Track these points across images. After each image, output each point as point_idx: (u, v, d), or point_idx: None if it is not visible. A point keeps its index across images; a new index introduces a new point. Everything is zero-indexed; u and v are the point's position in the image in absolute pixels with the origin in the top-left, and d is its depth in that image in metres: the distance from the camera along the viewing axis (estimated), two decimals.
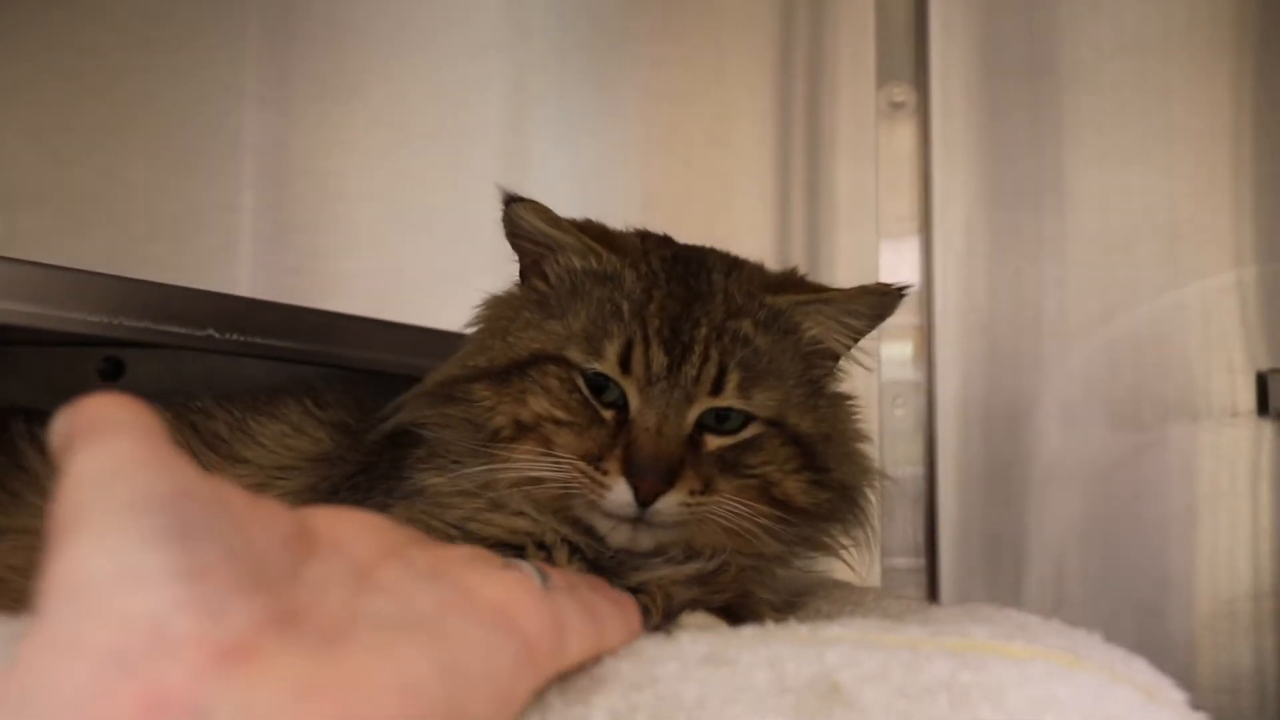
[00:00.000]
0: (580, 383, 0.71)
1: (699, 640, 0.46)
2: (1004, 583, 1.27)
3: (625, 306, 0.72)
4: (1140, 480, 1.25)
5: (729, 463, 0.72)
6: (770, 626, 0.49)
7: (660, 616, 0.71)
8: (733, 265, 0.80)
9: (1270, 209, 1.29)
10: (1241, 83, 1.32)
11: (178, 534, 0.33)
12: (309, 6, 1.37)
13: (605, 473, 0.68)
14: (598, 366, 0.71)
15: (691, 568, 0.72)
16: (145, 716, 0.29)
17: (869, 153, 1.40)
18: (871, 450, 0.80)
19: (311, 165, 1.36)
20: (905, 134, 1.40)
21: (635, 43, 1.44)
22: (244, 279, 1.32)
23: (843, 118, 1.42)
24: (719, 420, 0.72)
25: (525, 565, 0.47)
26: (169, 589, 0.32)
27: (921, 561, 1.31)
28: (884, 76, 1.41)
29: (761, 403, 0.73)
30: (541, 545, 0.71)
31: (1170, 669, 1.16)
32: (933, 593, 1.30)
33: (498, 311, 0.79)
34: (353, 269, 1.35)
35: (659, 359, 0.70)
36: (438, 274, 1.35)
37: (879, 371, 1.31)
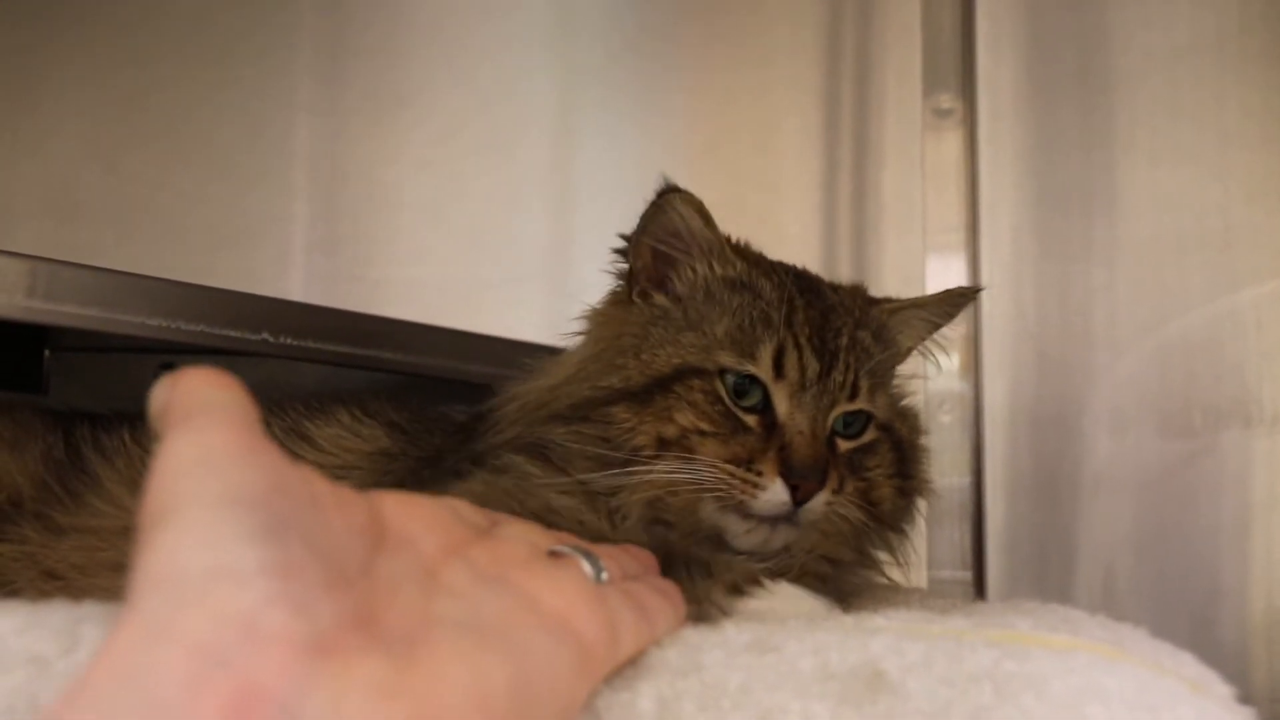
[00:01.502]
0: (723, 392, 0.73)
1: (744, 629, 0.46)
2: (1051, 593, 1.25)
3: (772, 314, 0.75)
4: (1191, 488, 1.23)
5: (853, 465, 0.76)
6: (815, 617, 0.50)
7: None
8: (832, 282, 0.85)
9: None
10: None
11: (269, 529, 0.34)
12: (359, 16, 1.40)
13: (760, 474, 0.70)
14: (752, 369, 0.73)
15: (760, 566, 0.73)
16: (237, 710, 0.30)
17: (915, 161, 1.40)
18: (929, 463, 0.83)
19: (361, 174, 1.38)
20: (952, 142, 1.40)
21: (682, 48, 1.45)
22: (296, 287, 1.35)
23: (889, 126, 1.42)
24: (844, 424, 0.76)
25: (573, 552, 0.48)
26: (261, 585, 0.33)
27: (968, 574, 1.30)
28: (930, 85, 1.41)
29: (881, 407, 0.77)
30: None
31: (1223, 678, 1.14)
32: (979, 588, 1.29)
33: (617, 329, 0.79)
34: (402, 276, 1.37)
35: (812, 364, 0.74)
36: (484, 281, 1.37)
37: (925, 380, 1.31)
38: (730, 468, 0.71)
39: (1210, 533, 1.21)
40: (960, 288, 0.84)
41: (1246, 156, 1.30)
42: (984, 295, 1.33)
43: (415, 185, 1.39)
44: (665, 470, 0.71)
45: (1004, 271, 1.35)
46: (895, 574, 0.82)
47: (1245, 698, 1.10)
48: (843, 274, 1.38)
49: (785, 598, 0.60)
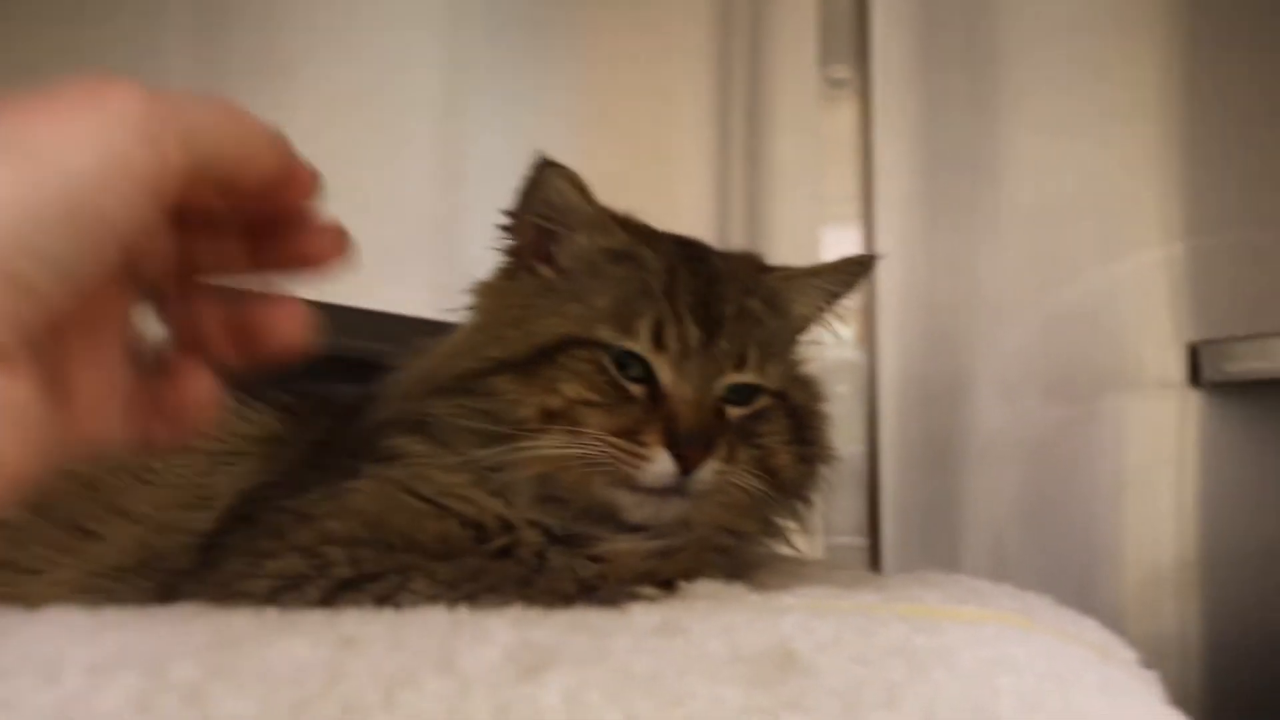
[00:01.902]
0: (607, 362, 0.71)
1: (651, 611, 0.45)
2: (944, 558, 1.28)
3: (653, 284, 0.73)
4: (1075, 453, 1.26)
5: (744, 432, 0.74)
6: (723, 596, 0.48)
7: (613, 586, 0.72)
8: (722, 250, 0.83)
9: (1196, 183, 1.31)
10: (1170, 61, 1.34)
11: None
12: None
13: (645, 445, 0.68)
14: (628, 344, 0.71)
15: (657, 544, 0.72)
16: None
17: (810, 131, 1.40)
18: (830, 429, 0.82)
19: None
20: (846, 112, 1.40)
21: (573, 14, 1.42)
22: None
23: (784, 95, 1.41)
24: (733, 393, 0.74)
25: None
26: None
27: (864, 540, 1.31)
28: (825, 54, 1.41)
29: (771, 376, 0.76)
30: (507, 526, 0.71)
31: None
32: (875, 562, 1.30)
33: (503, 300, 0.77)
34: None
35: (694, 333, 0.72)
36: (371, 254, 1.32)
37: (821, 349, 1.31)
38: (616, 440, 0.69)
39: (1090, 495, 1.25)
40: (856, 255, 0.83)
41: (1128, 128, 1.34)
42: (879, 265, 1.33)
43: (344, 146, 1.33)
44: (552, 444, 0.70)
45: (898, 241, 1.36)
46: (801, 542, 0.81)
47: None
48: (737, 244, 1.38)
49: None
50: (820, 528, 1.27)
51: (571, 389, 0.71)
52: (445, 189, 1.39)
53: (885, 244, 1.35)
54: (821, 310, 0.83)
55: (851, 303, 0.84)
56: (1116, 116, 1.34)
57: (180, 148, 0.39)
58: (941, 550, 1.28)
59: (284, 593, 0.65)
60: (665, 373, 0.72)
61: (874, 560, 1.30)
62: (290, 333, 0.47)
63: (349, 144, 1.34)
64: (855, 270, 0.83)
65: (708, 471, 0.70)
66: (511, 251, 0.79)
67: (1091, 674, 0.43)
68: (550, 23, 1.42)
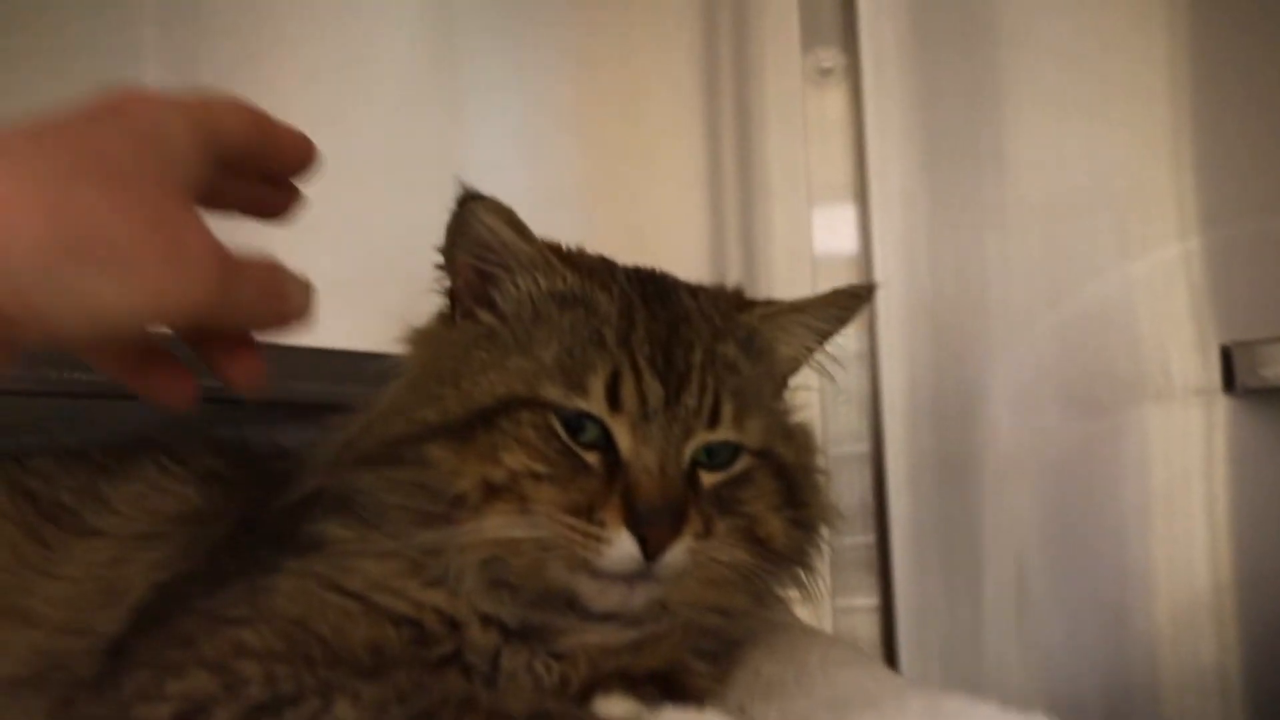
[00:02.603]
0: (557, 426, 0.62)
1: None
2: (962, 584, 1.18)
3: (606, 333, 0.64)
4: (1099, 468, 1.16)
5: (723, 501, 0.65)
6: None
7: (579, 686, 0.63)
8: (694, 285, 0.73)
9: (1211, 168, 1.21)
10: (1176, 36, 1.24)
11: None
12: None
13: (602, 525, 0.59)
14: (581, 405, 0.62)
15: (630, 634, 0.64)
16: None
17: (797, 121, 1.30)
18: (829, 485, 0.73)
19: None
20: (835, 100, 1.29)
21: (558, 8, 1.32)
22: None
23: (769, 85, 1.31)
24: (708, 455, 0.65)
25: None
26: None
27: (873, 556, 1.22)
28: (809, 40, 1.30)
29: (753, 432, 0.66)
30: (452, 624, 0.62)
31: (1135, 669, 1.08)
32: (886, 594, 1.21)
33: (436, 350, 0.68)
34: None
35: (654, 390, 0.63)
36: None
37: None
38: (569, 519, 0.60)
39: (1119, 513, 1.15)
40: (850, 286, 0.73)
41: (1137, 107, 1.23)
42: (880, 265, 1.24)
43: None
44: (496, 525, 0.60)
45: (896, 239, 1.25)
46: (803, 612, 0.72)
47: (1155, 686, 1.03)
48: (728, 246, 1.28)
49: None
50: (826, 597, 1.18)
51: (515, 459, 0.61)
52: (439, 192, 1.28)
53: (883, 241, 1.25)
54: (811, 350, 0.73)
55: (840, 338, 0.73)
56: (1125, 94, 1.24)
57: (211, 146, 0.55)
58: (958, 575, 1.19)
59: (190, 718, 0.56)
60: (624, 437, 0.62)
61: (885, 585, 1.21)
62: (245, 377, 0.60)
63: (336, 149, 1.24)
64: (849, 304, 0.72)
65: (678, 553, 0.60)
66: (448, 293, 0.70)
67: None
68: (536, 19, 1.31)
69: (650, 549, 0.59)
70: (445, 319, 0.70)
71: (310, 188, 1.21)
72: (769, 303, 0.73)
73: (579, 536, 0.59)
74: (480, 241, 0.66)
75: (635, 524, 0.59)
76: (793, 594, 0.71)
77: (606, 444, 0.62)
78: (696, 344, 0.66)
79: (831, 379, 0.74)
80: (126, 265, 0.47)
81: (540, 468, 0.61)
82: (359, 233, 1.22)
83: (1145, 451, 1.16)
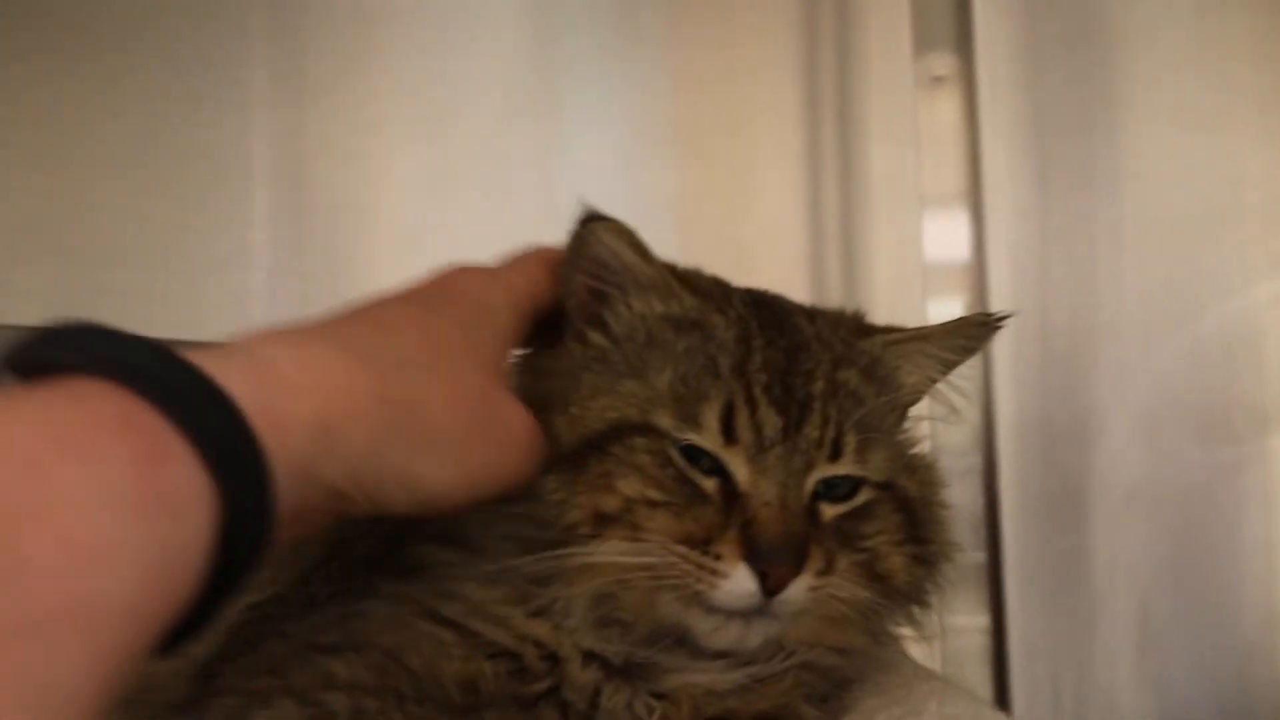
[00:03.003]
0: (674, 453, 0.59)
1: None
2: (1080, 623, 1.11)
3: (721, 360, 0.61)
4: (1224, 499, 1.09)
5: (845, 534, 0.61)
6: None
7: None
8: (811, 309, 0.70)
9: None
10: None
11: None
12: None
13: (719, 558, 0.56)
14: (693, 438, 0.59)
15: (738, 675, 0.60)
16: None
17: (908, 131, 1.25)
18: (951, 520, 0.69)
19: (327, 177, 1.22)
20: (948, 109, 1.24)
21: (657, 17, 1.29)
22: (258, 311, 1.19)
23: (876, 93, 1.26)
24: (828, 488, 0.61)
25: None
26: None
27: (983, 575, 1.16)
28: (921, 46, 1.25)
29: (875, 465, 0.63)
30: (553, 659, 0.59)
31: (1260, 712, 1.00)
32: (998, 615, 1.15)
33: (543, 377, 0.64)
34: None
35: (772, 421, 0.59)
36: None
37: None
38: (683, 550, 0.56)
39: (1257, 552, 1.07)
40: (978, 315, 0.69)
41: (1266, 120, 1.16)
42: (994, 286, 1.18)
43: (386, 185, 1.23)
44: (609, 552, 0.57)
45: (1011, 255, 1.20)
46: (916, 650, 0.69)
47: None
48: (829, 259, 1.24)
49: None
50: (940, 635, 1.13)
51: (629, 485, 0.58)
52: (537, 200, 1.27)
53: (996, 257, 1.19)
54: (934, 381, 0.69)
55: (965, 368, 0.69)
56: (1252, 104, 1.17)
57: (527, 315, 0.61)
58: (1075, 613, 1.12)
59: None
60: (740, 469, 0.58)
61: (998, 622, 1.15)
62: None
63: (437, 162, 1.24)
64: (976, 333, 0.68)
65: (799, 590, 0.57)
66: (565, 316, 0.66)
67: None
68: (636, 29, 1.29)
69: (770, 585, 0.56)
70: (560, 342, 0.66)
71: (409, 197, 1.22)
72: (891, 329, 0.69)
73: (693, 568, 0.56)
74: (599, 261, 0.63)
75: (754, 558, 0.56)
76: (906, 630, 0.67)
77: (723, 473, 0.59)
78: (817, 372, 0.62)
79: (955, 412, 0.69)
80: (450, 450, 0.52)
81: (655, 494, 0.58)
82: (457, 243, 1.21)
83: (1273, 483, 1.08)
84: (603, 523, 0.58)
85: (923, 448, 0.69)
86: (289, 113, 1.22)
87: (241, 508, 0.38)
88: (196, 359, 0.40)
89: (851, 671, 0.66)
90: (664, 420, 0.59)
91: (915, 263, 1.22)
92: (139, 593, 0.33)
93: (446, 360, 0.52)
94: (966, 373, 0.68)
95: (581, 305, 0.64)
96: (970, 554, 1.16)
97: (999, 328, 0.67)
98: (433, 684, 0.58)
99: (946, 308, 1.19)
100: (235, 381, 0.40)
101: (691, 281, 0.65)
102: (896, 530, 0.64)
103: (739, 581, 0.56)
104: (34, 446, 0.33)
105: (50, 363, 0.37)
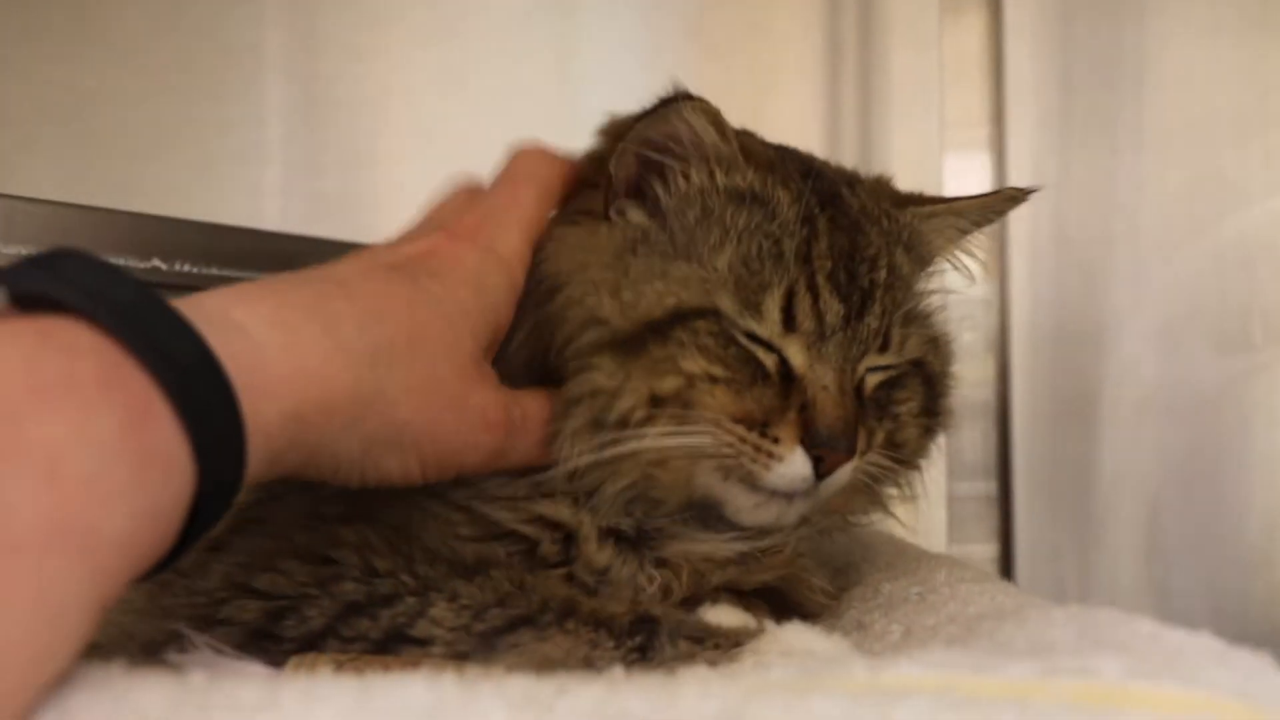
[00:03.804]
0: (736, 332, 0.58)
1: (710, 693, 0.32)
2: (1088, 524, 1.11)
3: (786, 243, 0.59)
4: (1248, 409, 1.08)
5: (881, 405, 0.62)
6: (812, 667, 0.35)
7: (685, 595, 0.60)
8: (847, 174, 0.68)
9: None
10: None
11: None
12: None
13: (776, 441, 0.56)
14: (754, 327, 0.58)
15: (742, 546, 0.61)
16: None
17: (931, 41, 1.22)
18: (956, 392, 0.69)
19: (341, 76, 1.21)
20: (973, 20, 1.22)
21: None
22: (272, 212, 1.18)
23: (901, 3, 1.24)
24: (871, 370, 0.62)
25: None
26: None
27: (992, 488, 1.16)
28: None
29: (912, 348, 0.64)
30: (568, 538, 0.60)
31: (1275, 618, 1.00)
32: (1006, 528, 1.15)
33: (584, 258, 0.61)
34: (391, 191, 1.19)
35: (835, 309, 0.59)
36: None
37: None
38: (741, 430, 0.56)
39: (1263, 458, 1.07)
40: (1011, 189, 0.68)
41: None
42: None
43: (399, 81, 1.21)
44: (658, 434, 0.56)
45: (1034, 165, 1.18)
46: (901, 511, 0.70)
47: None
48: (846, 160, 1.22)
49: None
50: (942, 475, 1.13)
51: (694, 363, 0.57)
52: (553, 97, 1.25)
53: (1019, 167, 1.17)
54: (952, 244, 0.69)
55: (980, 236, 0.69)
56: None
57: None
58: (1084, 514, 1.12)
59: (280, 619, 0.54)
60: (797, 355, 0.58)
61: (1004, 518, 1.15)
62: None
63: (452, 68, 1.22)
64: (1003, 206, 0.68)
65: (846, 472, 0.58)
66: (603, 187, 0.63)
67: None
68: None
69: (824, 470, 0.56)
70: (585, 215, 0.63)
71: (422, 94, 1.21)
72: (923, 198, 0.68)
73: (749, 449, 0.56)
74: (673, 137, 0.60)
75: (812, 443, 0.56)
76: (894, 493, 0.68)
77: (779, 356, 0.59)
78: (881, 260, 0.61)
79: (972, 279, 0.69)
80: (412, 443, 0.52)
81: (719, 370, 0.57)
82: (472, 143, 1.20)
83: None
84: (656, 405, 0.57)
85: (939, 317, 0.68)
86: (302, 7, 1.20)
87: (215, 484, 0.39)
88: (189, 314, 0.40)
89: (847, 537, 0.68)
90: (726, 304, 0.58)
91: (936, 181, 1.21)
92: (129, 531, 0.35)
93: (423, 351, 0.52)
94: (981, 241, 0.68)
95: (628, 179, 0.62)
96: (980, 483, 1.16)
97: (1025, 199, 0.66)
98: (445, 550, 0.58)
99: None
100: (232, 361, 0.40)
101: (753, 150, 0.63)
102: (918, 402, 0.64)
103: (795, 465, 0.56)
104: (17, 397, 0.33)
105: (43, 295, 0.37)
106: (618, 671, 0.35)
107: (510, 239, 0.60)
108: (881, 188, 0.68)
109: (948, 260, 0.69)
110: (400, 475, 0.53)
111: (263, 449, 0.43)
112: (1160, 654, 0.36)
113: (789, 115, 1.25)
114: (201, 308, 0.42)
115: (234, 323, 0.43)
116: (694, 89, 0.59)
